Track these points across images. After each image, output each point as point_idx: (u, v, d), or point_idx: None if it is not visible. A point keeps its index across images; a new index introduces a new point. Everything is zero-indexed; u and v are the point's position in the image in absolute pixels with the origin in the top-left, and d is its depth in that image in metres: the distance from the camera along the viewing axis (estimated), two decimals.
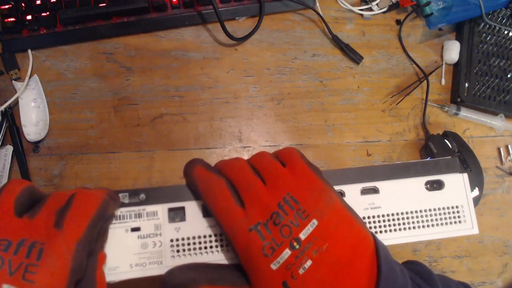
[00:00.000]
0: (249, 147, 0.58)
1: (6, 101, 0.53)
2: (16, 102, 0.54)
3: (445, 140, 0.59)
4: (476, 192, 0.59)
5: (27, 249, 0.25)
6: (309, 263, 0.26)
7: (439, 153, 0.58)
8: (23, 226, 0.26)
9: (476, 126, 0.65)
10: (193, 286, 0.28)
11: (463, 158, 0.59)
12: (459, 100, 0.64)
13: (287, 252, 0.27)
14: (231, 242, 0.29)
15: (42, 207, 0.27)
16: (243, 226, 0.28)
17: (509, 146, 0.65)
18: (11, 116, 0.53)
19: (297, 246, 0.27)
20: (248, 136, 0.58)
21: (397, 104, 0.63)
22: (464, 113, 0.64)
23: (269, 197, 0.28)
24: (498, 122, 0.64)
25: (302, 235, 0.27)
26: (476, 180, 0.59)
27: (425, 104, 0.63)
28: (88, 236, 0.27)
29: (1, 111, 0.52)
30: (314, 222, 0.27)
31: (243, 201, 0.29)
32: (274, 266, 0.27)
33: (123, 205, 0.32)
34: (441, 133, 0.61)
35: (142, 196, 0.32)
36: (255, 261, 0.27)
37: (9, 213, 0.26)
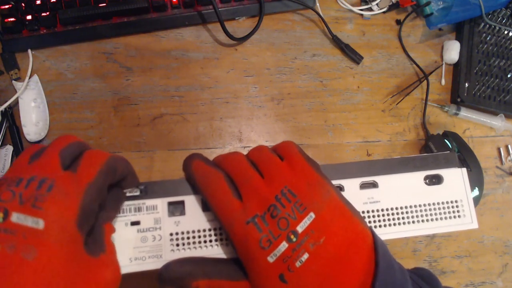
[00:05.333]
0: (249, 147, 0.57)
1: (6, 101, 0.53)
2: (16, 102, 0.54)
3: (445, 140, 0.59)
4: (476, 192, 0.59)
5: (37, 183, 0.25)
6: (306, 256, 0.26)
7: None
8: (31, 167, 0.27)
9: (476, 126, 0.65)
10: (189, 279, 0.28)
11: (463, 158, 0.59)
12: (459, 100, 0.64)
13: (284, 245, 0.27)
14: (229, 235, 0.29)
15: (46, 149, 0.28)
16: (241, 218, 0.28)
17: (509, 146, 0.65)
18: (11, 116, 0.53)
19: (294, 239, 0.27)
20: (248, 136, 0.58)
21: (397, 104, 0.63)
22: (464, 113, 0.64)
23: (267, 190, 0.28)
24: (498, 122, 0.64)
25: (299, 228, 0.27)
26: (476, 180, 0.59)
27: (425, 104, 0.63)
28: (99, 182, 0.27)
29: (1, 111, 0.52)
30: (312, 215, 0.27)
31: (241, 194, 0.29)
32: (271, 259, 0.27)
33: None
34: (441, 133, 0.61)
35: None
36: (252, 254, 0.27)
37: (25, 160, 0.28)
